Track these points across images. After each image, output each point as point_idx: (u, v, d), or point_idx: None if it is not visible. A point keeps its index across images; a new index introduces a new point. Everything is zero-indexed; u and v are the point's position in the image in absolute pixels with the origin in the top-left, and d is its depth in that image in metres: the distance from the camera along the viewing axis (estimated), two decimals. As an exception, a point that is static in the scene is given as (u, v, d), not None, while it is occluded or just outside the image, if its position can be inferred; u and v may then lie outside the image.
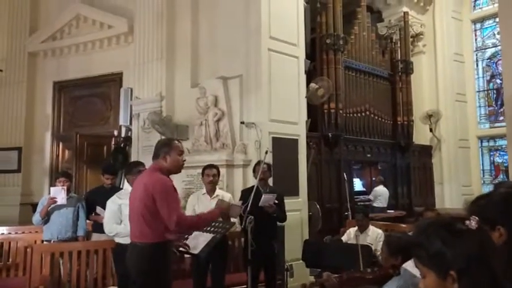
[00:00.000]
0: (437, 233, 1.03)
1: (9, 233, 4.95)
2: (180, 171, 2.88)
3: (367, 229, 4.41)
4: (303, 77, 6.16)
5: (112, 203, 3.53)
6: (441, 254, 1.01)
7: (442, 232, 1.03)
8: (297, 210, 5.59)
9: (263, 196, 3.72)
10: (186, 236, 3.16)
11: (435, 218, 1.14)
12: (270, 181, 4.44)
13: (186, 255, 3.50)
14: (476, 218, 1.02)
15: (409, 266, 1.84)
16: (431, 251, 1.03)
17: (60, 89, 7.90)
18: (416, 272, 1.76)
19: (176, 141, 2.83)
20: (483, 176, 9.28)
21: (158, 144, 2.83)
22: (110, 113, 7.51)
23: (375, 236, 4.34)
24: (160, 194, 2.54)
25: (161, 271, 2.58)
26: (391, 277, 2.12)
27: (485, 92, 9.62)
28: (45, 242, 4.20)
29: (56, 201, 4.11)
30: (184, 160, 2.84)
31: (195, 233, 3.30)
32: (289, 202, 4.79)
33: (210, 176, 3.88)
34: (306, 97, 6.18)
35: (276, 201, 3.90)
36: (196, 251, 3.12)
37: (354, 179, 7.64)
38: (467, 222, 1.03)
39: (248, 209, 3.40)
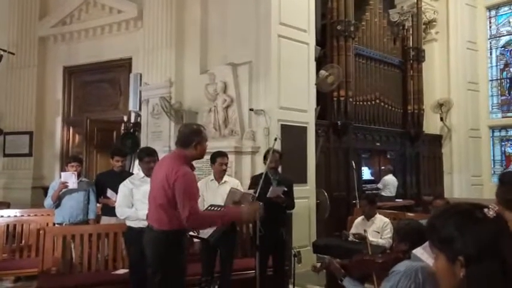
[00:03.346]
0: (453, 218, 1.03)
1: (22, 216, 5.06)
2: (203, 157, 2.85)
3: (373, 217, 4.41)
4: (313, 64, 6.10)
5: (124, 186, 3.57)
6: (452, 239, 1.01)
7: (457, 218, 1.03)
8: (305, 197, 5.61)
9: (271, 188, 3.73)
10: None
11: (455, 204, 1.13)
12: (279, 169, 4.45)
13: (196, 240, 3.54)
14: (496, 206, 1.01)
15: (418, 252, 1.85)
16: (443, 234, 1.04)
17: (70, 73, 7.94)
18: (425, 258, 1.76)
19: (203, 128, 2.79)
20: (494, 166, 9.19)
21: (187, 131, 2.70)
22: (119, 98, 7.54)
23: (381, 224, 4.34)
24: (180, 186, 2.49)
25: (177, 257, 2.60)
26: (401, 261, 2.12)
27: (498, 81, 9.45)
28: (56, 225, 4.28)
29: (67, 186, 4.17)
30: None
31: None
32: (297, 189, 4.79)
33: (223, 164, 3.85)
34: (315, 84, 6.13)
35: (285, 189, 3.91)
36: (205, 236, 3.16)
37: (363, 168, 7.61)
38: (485, 210, 1.02)
39: (257, 195, 3.41)
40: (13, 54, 5.13)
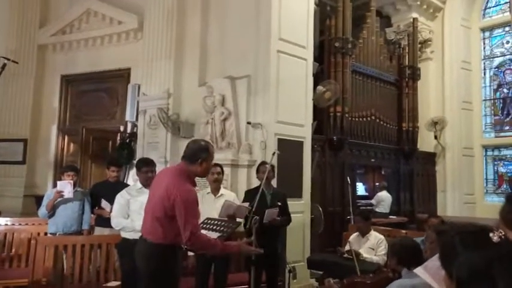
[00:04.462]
0: (455, 238, 1.04)
1: (13, 224, 4.98)
2: (206, 175, 2.84)
3: (368, 234, 4.41)
4: (311, 80, 6.17)
5: (121, 197, 3.55)
6: (450, 258, 1.02)
7: (458, 238, 1.04)
8: (300, 212, 5.60)
9: (266, 212, 3.73)
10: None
11: (462, 223, 1.13)
12: (274, 182, 4.46)
13: (190, 253, 3.51)
14: (502, 231, 1.01)
15: (420, 272, 1.85)
16: (444, 251, 1.05)
17: (68, 82, 7.95)
18: (426, 277, 1.76)
19: (212, 146, 2.75)
20: (486, 185, 9.25)
21: (195, 147, 2.65)
22: (116, 108, 7.54)
23: (376, 241, 4.33)
24: (181, 204, 2.44)
25: (170, 272, 2.56)
26: (392, 280, 2.12)
27: (492, 101, 9.60)
28: (50, 235, 4.22)
29: (62, 195, 4.13)
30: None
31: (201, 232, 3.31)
32: (292, 204, 4.80)
33: (215, 174, 3.88)
34: (312, 99, 6.19)
35: (279, 204, 3.92)
36: (201, 250, 3.13)
37: (357, 183, 7.63)
38: (490, 234, 1.02)
39: (253, 209, 3.40)
40: (17, 63, 5.12)
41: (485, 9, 9.82)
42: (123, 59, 7.31)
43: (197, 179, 5.56)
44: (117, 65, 7.40)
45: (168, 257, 2.56)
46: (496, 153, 9.33)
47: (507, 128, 9.16)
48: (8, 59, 3.89)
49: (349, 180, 6.78)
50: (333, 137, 6.86)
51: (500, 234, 1.01)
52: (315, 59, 6.45)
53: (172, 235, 2.51)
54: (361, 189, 7.83)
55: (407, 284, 1.86)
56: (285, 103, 5.66)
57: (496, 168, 9.28)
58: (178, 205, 2.45)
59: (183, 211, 2.44)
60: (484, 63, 9.72)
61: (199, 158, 2.60)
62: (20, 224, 5.01)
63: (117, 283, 3.68)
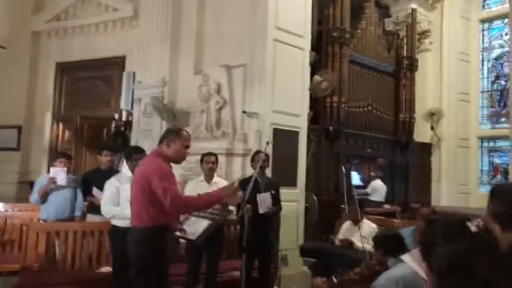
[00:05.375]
0: (436, 229, 1.03)
1: (6, 210, 4.97)
2: (180, 162, 2.87)
3: (360, 222, 4.41)
4: (308, 69, 6.12)
5: (111, 185, 3.53)
6: (430, 250, 1.01)
7: (439, 230, 1.02)
8: (294, 201, 5.60)
9: (260, 196, 3.74)
10: (183, 219, 3.15)
11: (444, 214, 1.12)
12: (268, 172, 4.45)
13: (182, 240, 3.51)
14: (481, 221, 0.98)
15: (407, 259, 1.86)
16: (424, 243, 1.04)
17: (63, 69, 7.87)
18: (413, 265, 1.77)
19: (186, 133, 2.81)
20: (481, 176, 9.30)
21: (166, 131, 2.88)
22: (111, 96, 7.49)
23: (369, 230, 4.34)
24: (155, 176, 2.52)
25: (158, 254, 2.58)
26: (379, 273, 2.11)
27: (489, 92, 9.58)
28: (41, 221, 4.22)
29: (55, 182, 4.11)
30: (188, 153, 2.81)
31: (193, 219, 3.31)
32: (286, 192, 4.81)
33: (209, 163, 3.90)
34: (309, 89, 6.15)
35: (273, 192, 3.93)
36: (193, 237, 3.14)
37: (352, 173, 7.64)
38: (468, 224, 1.00)
39: (247, 197, 3.40)
40: (4, 48, 5.07)
41: (484, 0, 9.74)
42: (118, 47, 7.23)
43: (193, 167, 5.60)
44: (113, 53, 7.33)
45: (156, 239, 2.57)
46: (491, 144, 9.36)
47: (503, 119, 9.16)
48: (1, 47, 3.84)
49: (344, 169, 6.78)
50: (329, 127, 6.85)
51: (479, 224, 0.99)
52: (313, 49, 6.40)
53: (155, 214, 2.55)
54: (356, 179, 7.83)
55: (396, 275, 1.86)
56: (281, 93, 5.62)
57: (491, 159, 9.31)
58: (153, 178, 2.53)
59: (159, 181, 2.51)
60: (483, 55, 9.69)
61: (166, 138, 2.71)
62: (13, 210, 5.01)
63: (109, 269, 3.68)
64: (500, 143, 9.05)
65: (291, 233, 5.44)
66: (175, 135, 2.72)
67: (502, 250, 1.00)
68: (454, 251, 0.97)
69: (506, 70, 9.31)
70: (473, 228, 1.00)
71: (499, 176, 8.90)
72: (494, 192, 1.59)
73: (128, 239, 2.70)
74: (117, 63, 7.38)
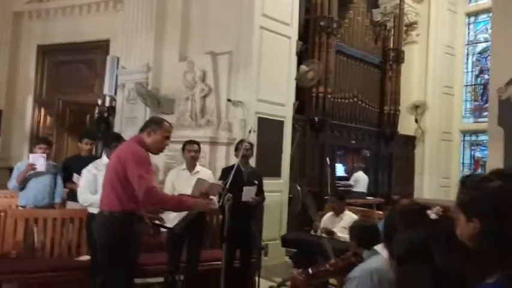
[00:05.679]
0: (397, 218, 1.05)
1: (-15, 197, 4.87)
2: (158, 154, 2.83)
3: (342, 213, 4.45)
4: (294, 58, 6.10)
5: (88, 172, 3.47)
6: (391, 237, 1.04)
7: (399, 218, 1.05)
8: (278, 191, 5.63)
9: (244, 189, 3.72)
10: (161, 209, 3.12)
11: (406, 204, 1.15)
12: (252, 161, 4.44)
13: (162, 229, 3.49)
14: (440, 208, 1.02)
15: (379, 248, 1.89)
16: (386, 230, 1.07)
17: (45, 52, 7.67)
18: (385, 254, 1.79)
19: (168, 124, 2.77)
20: (463, 169, 9.46)
21: (149, 120, 2.86)
22: (95, 81, 7.35)
23: (350, 220, 4.36)
24: (132, 162, 2.47)
25: (125, 241, 2.52)
26: (355, 265, 2.12)
27: (473, 86, 9.70)
28: (20, 208, 4.14)
29: (34, 168, 4.03)
30: (167, 145, 2.78)
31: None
32: (270, 183, 4.82)
33: (192, 151, 3.83)
34: (295, 79, 6.13)
35: (256, 182, 3.91)
36: (171, 225, 3.12)
37: (337, 164, 7.70)
38: (428, 211, 1.03)
39: (227, 187, 3.39)
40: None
41: (472, -7, 9.79)
42: (102, 30, 7.07)
43: (176, 155, 5.54)
44: (96, 36, 7.17)
45: (124, 225, 2.52)
46: (473, 138, 9.51)
47: (485, 113, 9.29)
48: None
49: (328, 161, 6.83)
50: (315, 118, 6.85)
51: (438, 211, 1.03)
52: (300, 38, 6.36)
53: (126, 200, 2.50)
54: (340, 170, 7.90)
55: (370, 267, 1.88)
56: (267, 81, 5.59)
57: (472, 153, 9.48)
58: (129, 164, 2.47)
59: (135, 168, 2.45)
60: (467, 49, 9.78)
61: (148, 127, 2.69)
62: (-9, 196, 4.91)
63: (89, 257, 3.65)
64: (482, 137, 9.20)
65: (275, 224, 5.48)
66: (157, 125, 2.69)
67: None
68: (413, 237, 1.00)
69: (490, 64, 9.42)
70: (432, 216, 1.03)
71: (479, 170, 9.07)
72: (463, 183, 1.64)
73: (94, 223, 2.67)
74: (101, 47, 7.23)
